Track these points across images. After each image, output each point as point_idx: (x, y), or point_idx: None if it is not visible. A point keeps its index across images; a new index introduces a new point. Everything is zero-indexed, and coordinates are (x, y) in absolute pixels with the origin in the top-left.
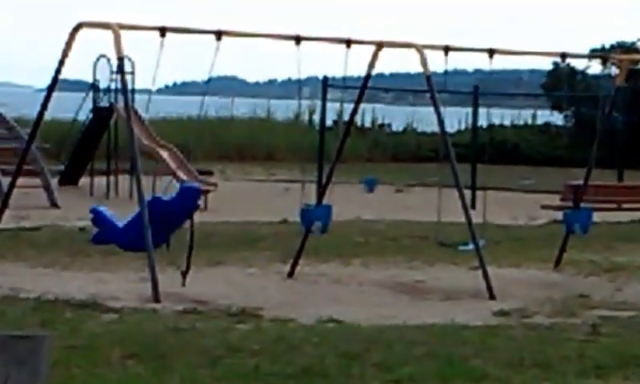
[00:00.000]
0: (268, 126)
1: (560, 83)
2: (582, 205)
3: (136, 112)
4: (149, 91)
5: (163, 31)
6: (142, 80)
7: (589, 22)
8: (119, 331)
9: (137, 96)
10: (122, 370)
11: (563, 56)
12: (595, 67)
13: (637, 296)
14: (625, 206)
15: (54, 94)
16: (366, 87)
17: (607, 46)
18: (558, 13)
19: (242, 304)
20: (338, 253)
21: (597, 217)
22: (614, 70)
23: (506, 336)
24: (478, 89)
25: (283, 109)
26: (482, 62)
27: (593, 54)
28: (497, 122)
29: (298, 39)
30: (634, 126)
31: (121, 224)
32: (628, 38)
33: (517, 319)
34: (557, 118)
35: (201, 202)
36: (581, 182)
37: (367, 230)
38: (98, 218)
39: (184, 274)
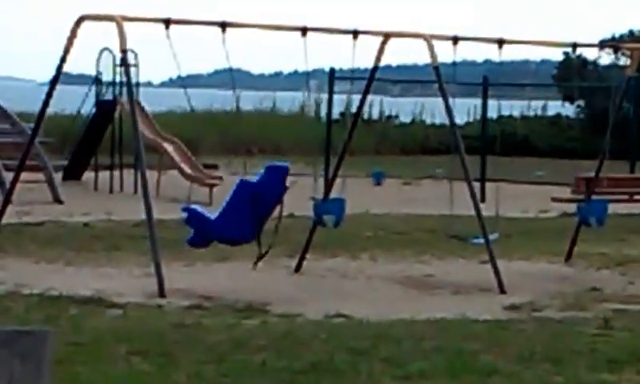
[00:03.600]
0: (274, 119)
1: (571, 74)
2: (596, 197)
3: (140, 105)
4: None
5: (167, 23)
6: (146, 73)
7: (600, 11)
8: (124, 327)
9: (141, 89)
10: (128, 366)
11: (574, 46)
12: (607, 57)
13: None
14: (637, 197)
15: (57, 88)
16: (373, 79)
17: (618, 35)
18: (568, 2)
19: (248, 299)
20: (346, 247)
21: (608, 209)
22: (626, 60)
23: (517, 330)
24: (488, 80)
25: (289, 101)
26: (491, 53)
27: (604, 43)
28: (506, 113)
29: (304, 30)
30: None
31: (213, 217)
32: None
33: (527, 313)
34: (568, 110)
35: (289, 184)
36: (592, 174)
37: (375, 224)
38: (192, 216)
39: (260, 257)
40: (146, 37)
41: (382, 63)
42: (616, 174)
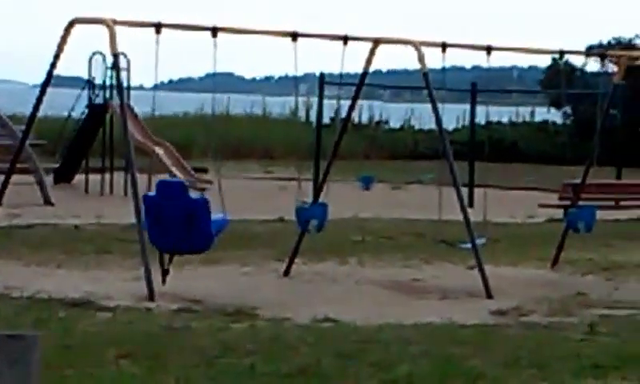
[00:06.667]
0: (264, 123)
1: (558, 80)
2: (582, 203)
3: (131, 109)
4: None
5: (159, 27)
6: (137, 77)
7: (587, 18)
8: (113, 330)
9: (132, 92)
10: (116, 369)
11: (561, 53)
12: (593, 64)
13: (635, 294)
14: (623, 203)
15: (49, 91)
16: (363, 84)
17: (605, 42)
18: (555, 9)
19: (237, 303)
20: (335, 251)
21: (596, 215)
22: (612, 67)
23: (503, 335)
24: (476, 86)
25: (280, 106)
26: (479, 59)
27: (591, 50)
28: (495, 119)
29: (294, 36)
30: (633, 123)
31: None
32: (626, 34)
33: (514, 318)
34: (555, 116)
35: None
36: (578, 180)
37: (364, 229)
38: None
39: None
40: (138, 40)
41: (372, 68)
42: (603, 180)
